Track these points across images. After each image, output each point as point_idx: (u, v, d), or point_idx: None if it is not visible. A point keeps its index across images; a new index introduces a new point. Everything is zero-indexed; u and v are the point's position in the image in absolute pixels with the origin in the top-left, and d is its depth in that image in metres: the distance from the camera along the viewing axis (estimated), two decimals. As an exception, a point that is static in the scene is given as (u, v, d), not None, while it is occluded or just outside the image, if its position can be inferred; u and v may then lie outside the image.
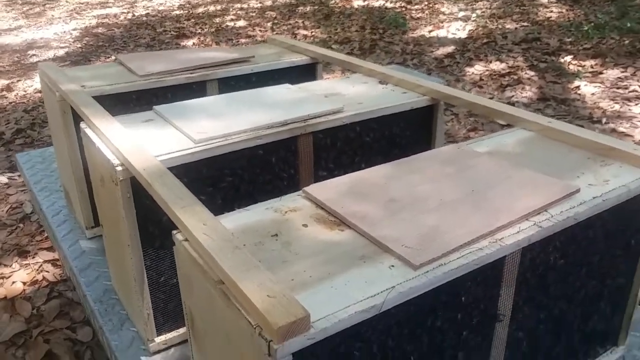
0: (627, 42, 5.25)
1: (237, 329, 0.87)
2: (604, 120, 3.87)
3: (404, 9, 7.34)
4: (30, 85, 5.33)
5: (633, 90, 4.31)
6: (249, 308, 0.84)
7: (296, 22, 7.26)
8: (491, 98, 4.21)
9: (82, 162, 1.84)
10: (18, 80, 5.52)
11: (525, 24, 6.23)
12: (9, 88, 5.28)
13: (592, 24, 5.82)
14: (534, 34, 5.77)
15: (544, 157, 1.37)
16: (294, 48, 2.34)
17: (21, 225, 2.94)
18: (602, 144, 1.38)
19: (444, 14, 6.93)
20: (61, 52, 6.59)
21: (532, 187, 1.19)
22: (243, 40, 6.64)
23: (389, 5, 7.56)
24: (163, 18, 8.07)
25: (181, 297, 1.14)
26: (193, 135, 1.44)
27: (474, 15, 6.64)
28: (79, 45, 6.89)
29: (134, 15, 8.42)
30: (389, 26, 6.59)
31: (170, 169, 1.28)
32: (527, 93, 4.44)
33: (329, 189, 1.20)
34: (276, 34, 6.71)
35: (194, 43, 6.71)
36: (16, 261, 2.61)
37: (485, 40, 5.73)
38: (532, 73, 4.81)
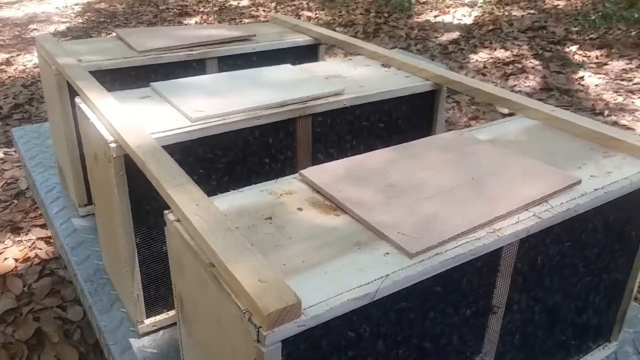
0: (633, 33, 5.19)
1: (227, 313, 0.85)
2: (606, 112, 3.83)
3: (409, -7, 7.25)
4: (30, 60, 5.28)
5: (637, 83, 4.26)
6: (239, 292, 0.82)
7: (300, 3, 7.17)
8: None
9: (77, 138, 1.82)
10: (18, 55, 5.46)
11: (532, 11, 6.16)
12: (8, 62, 5.22)
13: (600, 13, 5.75)
14: (541, 22, 5.71)
15: (546, 146, 1.34)
16: (297, 28, 2.30)
17: (15, 201, 2.91)
18: (605, 135, 1.35)
19: (450, -1, 6.85)
20: (62, 27, 6.52)
21: (532, 177, 1.16)
22: (246, 20, 6.56)
23: (394, -11, 7.47)
24: (166, -5, 7.97)
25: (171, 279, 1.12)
26: (190, 114, 1.40)
27: (480, 0, 6.56)
28: (80, 21, 6.82)
29: (136, -8, 8.31)
30: (394, 10, 6.51)
31: (165, 147, 1.25)
32: (531, 82, 4.40)
33: (325, 173, 1.18)
34: (279, 14, 6.63)
35: (196, 21, 6.63)
36: (9, 237, 2.59)
37: (491, 27, 5.66)
38: (537, 62, 4.75)
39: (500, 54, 4.99)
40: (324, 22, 6.24)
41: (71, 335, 2.04)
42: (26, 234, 2.61)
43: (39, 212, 2.75)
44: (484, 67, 4.75)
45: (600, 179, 1.18)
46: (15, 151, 3.36)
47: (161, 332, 1.46)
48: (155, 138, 1.27)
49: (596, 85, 4.28)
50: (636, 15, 5.52)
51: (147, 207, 1.36)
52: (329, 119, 1.60)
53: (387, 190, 1.12)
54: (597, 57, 4.77)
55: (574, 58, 4.79)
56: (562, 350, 1.32)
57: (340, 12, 6.65)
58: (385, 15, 6.37)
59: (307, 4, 7.13)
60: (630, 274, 1.36)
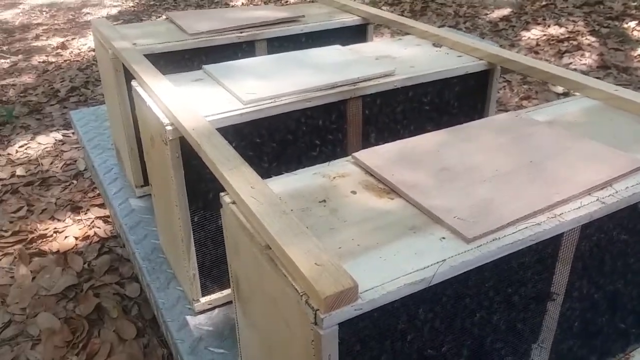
0: (699, 6, 4.90)
1: (283, 295, 0.87)
2: (669, 90, 3.65)
3: (459, -32, 7.05)
4: (84, 44, 5.42)
5: (703, 59, 4.04)
6: (295, 275, 0.82)
7: (346, -18, 7.07)
8: (548, 64, 4.02)
9: (133, 120, 1.86)
10: (73, 39, 5.62)
11: (589, -15, 5.89)
12: (64, 46, 5.38)
13: (662, -14, 5.45)
14: (598, -4, 5.45)
15: (608, 128, 1.29)
16: (345, 8, 2.28)
17: (74, 181, 3.02)
18: (674, 116, 1.28)
19: (501, -26, 6.61)
20: (114, 11, 6.66)
21: (594, 160, 1.12)
22: (292, 0, 6.53)
23: (443, -36, 7.27)
24: (213, -23, 8.02)
25: (227, 260, 1.14)
26: (242, 96, 1.42)
27: (533, -25, 6.31)
28: (131, 4, 6.95)
29: (184, -26, 8.39)
30: (443, -13, 6.34)
31: (219, 129, 1.26)
32: (587, 60, 4.23)
33: (378, 156, 1.17)
34: (326, -6, 6.57)
35: (243, 2, 6.65)
36: (69, 216, 2.70)
37: (544, 3, 5.45)
38: (593, 39, 4.56)
39: (554, 30, 4.80)
40: (370, 0, 6.15)
41: (129, 311, 2.12)
42: (85, 213, 2.71)
43: (97, 192, 2.85)
44: (537, 44, 4.59)
45: (667, 162, 1.13)
46: (73, 133, 3.49)
47: (216, 310, 1.50)
48: (209, 121, 1.29)
49: (657, 62, 4.08)
50: (703, -13, 5.20)
51: (202, 188, 1.39)
52: (379, 100, 1.58)
53: (442, 173, 1.10)
54: (658, 33, 4.54)
55: (632, 34, 4.56)
56: (621, 338, 1.28)
57: (387, -10, 6.53)
58: (434, -8, 6.22)
59: (354, -18, 7.02)
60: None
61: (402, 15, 5.46)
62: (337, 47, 1.82)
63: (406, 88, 1.60)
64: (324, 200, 1.04)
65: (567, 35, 4.66)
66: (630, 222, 1.09)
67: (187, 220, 1.39)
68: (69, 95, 4.17)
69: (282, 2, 6.47)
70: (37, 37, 5.77)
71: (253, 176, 1.05)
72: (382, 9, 5.60)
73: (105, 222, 2.64)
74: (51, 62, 4.93)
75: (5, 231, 2.61)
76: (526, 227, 0.94)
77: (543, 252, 0.99)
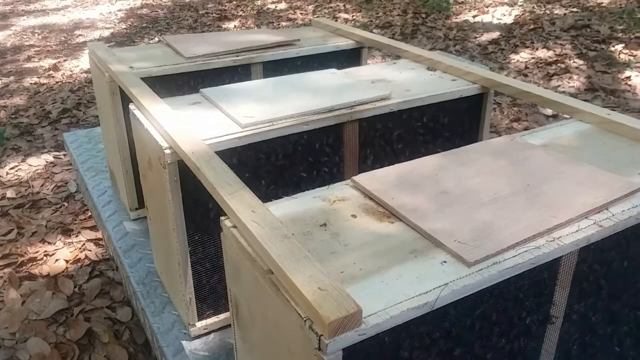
0: (683, 31, 5.01)
1: (286, 320, 0.86)
2: (656, 113, 3.72)
3: (447, -7, 7.18)
4: (77, 65, 5.43)
5: (688, 82, 4.12)
6: (299, 300, 0.82)
7: (337, 5, 7.18)
8: (537, 87, 4.08)
9: (129, 143, 1.86)
10: (65, 60, 5.63)
11: (575, 9, 6.01)
12: (55, 67, 5.39)
13: (646, 11, 5.58)
14: (584, 20, 5.57)
15: (602, 152, 1.31)
16: (339, 31, 2.31)
17: (65, 203, 3.00)
18: (666, 140, 1.31)
19: (489, -2, 6.75)
20: (107, 33, 6.69)
21: (591, 183, 1.14)
22: (284, 24, 6.61)
23: (432, -11, 7.41)
24: (205, 0, 8.09)
25: (226, 284, 1.13)
26: (240, 120, 1.42)
27: None
28: (123, 26, 6.98)
29: (176, -3, 8.47)
30: (432, 10, 6.45)
31: (217, 153, 1.27)
32: (575, 83, 4.29)
33: (377, 179, 1.18)
34: (317, 17, 6.66)
35: (235, 26, 6.71)
36: (60, 239, 2.67)
37: (532, 26, 5.55)
38: (581, 62, 4.64)
39: (543, 53, 4.88)
40: (361, 23, 6.23)
41: (121, 336, 2.09)
42: (76, 236, 2.69)
43: (89, 214, 2.83)
44: (526, 67, 4.66)
45: (661, 186, 1.15)
46: (64, 154, 3.47)
47: (212, 335, 1.49)
48: (207, 144, 1.29)
49: (644, 85, 4.15)
50: (686, 12, 5.33)
51: (199, 211, 1.39)
52: (375, 124, 1.60)
53: (441, 197, 1.11)
54: (644, 56, 4.63)
55: (619, 57, 4.65)
56: (620, 361, 1.29)
57: (377, 13, 6.63)
58: (423, 15, 6.32)
59: (344, 5, 7.13)
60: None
61: (393, 38, 5.53)
62: (333, 70, 1.84)
63: (402, 111, 1.62)
64: (325, 224, 1.04)
65: (555, 59, 4.74)
66: (625, 245, 1.10)
67: (184, 244, 1.39)
68: (60, 116, 4.16)
69: (275, 25, 6.54)
70: (28, 59, 5.77)
71: (254, 200, 1.05)
72: (372, 32, 5.65)
73: (97, 244, 2.61)
74: (43, 84, 4.93)
75: (-5, 254, 2.58)
76: (526, 251, 0.95)
77: (542, 275, 0.99)
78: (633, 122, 1.39)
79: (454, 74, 1.81)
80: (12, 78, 5.13)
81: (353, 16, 6.62)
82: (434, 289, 0.86)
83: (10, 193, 3.10)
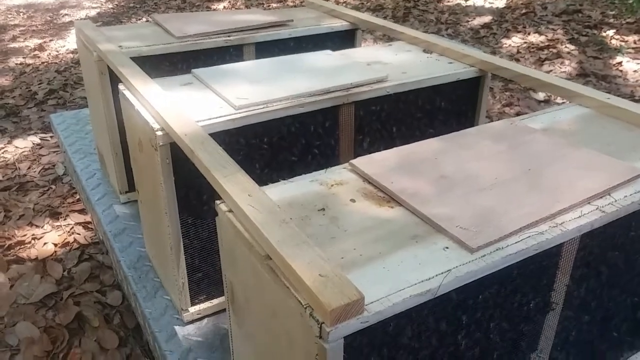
0: (674, 16, 5.01)
1: (284, 307, 0.84)
2: (647, 98, 3.72)
3: (440, -24, 7.11)
4: (63, 46, 5.32)
5: (679, 68, 4.12)
6: (299, 286, 0.80)
7: (328, -13, 7.08)
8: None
9: (118, 124, 1.82)
10: (50, 40, 5.51)
11: (567, -6, 5.98)
12: (41, 47, 5.28)
13: (638, -4, 5.56)
14: (576, 5, 5.54)
15: (602, 136, 1.29)
16: (333, 13, 2.26)
17: (53, 186, 2.95)
18: (666, 125, 1.29)
19: (481, -18, 6.69)
20: (93, 13, 6.56)
21: (592, 168, 1.12)
22: (274, 5, 6.51)
23: (424, -29, 7.33)
24: (193, -20, 7.95)
25: (221, 269, 1.11)
26: (233, 101, 1.39)
27: (513, -16, 6.39)
28: (110, 6, 6.85)
29: (164, -23, 8.31)
30: (424, -7, 6.38)
31: (210, 135, 1.23)
32: (567, 68, 4.28)
33: (376, 163, 1.15)
34: (308, -1, 6.57)
35: (224, 6, 6.60)
36: (48, 222, 2.63)
37: (524, 11, 5.52)
38: (572, 47, 4.63)
39: (534, 38, 4.86)
40: (352, 6, 6.16)
41: (111, 320, 2.06)
42: (64, 219, 2.64)
43: (77, 197, 2.78)
44: (518, 52, 4.64)
45: (662, 171, 1.14)
46: (51, 136, 3.41)
47: (205, 320, 1.47)
48: (201, 126, 1.26)
49: (635, 70, 4.15)
50: (677, -2, 5.33)
51: (192, 194, 1.36)
52: (371, 106, 1.57)
53: (441, 181, 1.09)
54: (635, 42, 4.62)
55: (611, 43, 4.65)
56: (618, 347, 1.28)
57: (369, -5, 6.55)
58: (415, -2, 6.26)
59: (336, -13, 7.03)
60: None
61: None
62: (328, 52, 1.81)
63: (398, 94, 1.59)
64: (323, 209, 1.02)
65: (546, 43, 4.72)
66: (628, 230, 1.09)
67: (176, 228, 1.36)
68: (47, 98, 4.08)
69: (265, 6, 6.45)
70: (14, 39, 5.65)
71: (250, 183, 1.02)
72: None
73: (86, 228, 2.57)
74: (28, 64, 4.83)
75: (-18, 238, 2.53)
76: (529, 237, 0.93)
77: (543, 261, 0.98)
78: (633, 106, 1.38)
79: (451, 56, 1.78)
80: (-4, 58, 5.02)
81: (344, -2, 6.54)
82: (436, 275, 0.85)
83: (-4, 175, 3.05)
